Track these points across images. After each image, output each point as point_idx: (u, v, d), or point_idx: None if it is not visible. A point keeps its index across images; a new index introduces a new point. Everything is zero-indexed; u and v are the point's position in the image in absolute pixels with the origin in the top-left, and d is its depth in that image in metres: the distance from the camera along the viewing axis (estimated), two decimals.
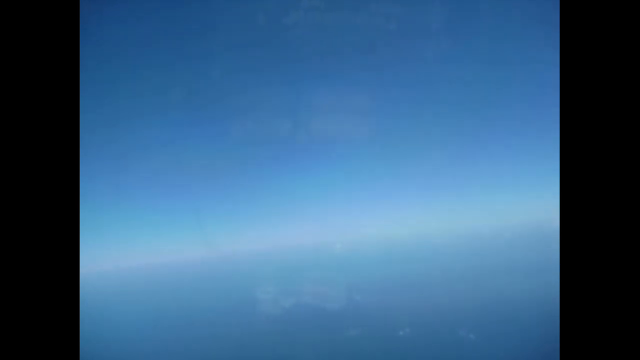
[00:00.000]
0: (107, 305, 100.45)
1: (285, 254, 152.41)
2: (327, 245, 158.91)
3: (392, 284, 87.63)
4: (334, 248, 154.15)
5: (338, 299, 66.78)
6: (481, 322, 55.66)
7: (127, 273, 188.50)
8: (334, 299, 66.85)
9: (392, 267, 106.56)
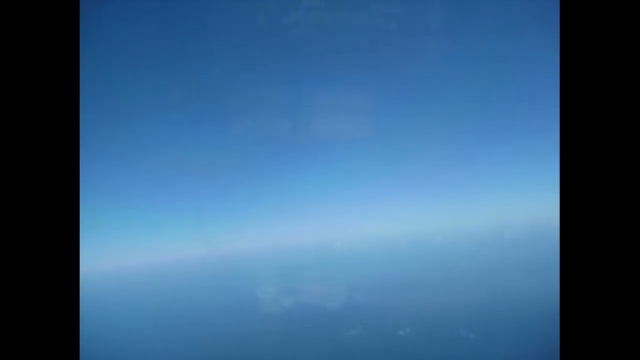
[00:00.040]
0: (107, 305, 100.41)
1: (285, 253, 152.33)
2: (327, 244, 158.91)
3: (392, 283, 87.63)
4: (334, 247, 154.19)
5: (338, 298, 66.85)
6: (482, 322, 55.64)
7: (127, 272, 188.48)
8: (334, 298, 66.92)
9: (392, 266, 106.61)
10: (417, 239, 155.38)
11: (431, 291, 76.15)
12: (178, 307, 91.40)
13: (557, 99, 10.11)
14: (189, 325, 72.98)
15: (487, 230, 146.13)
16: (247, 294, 79.44)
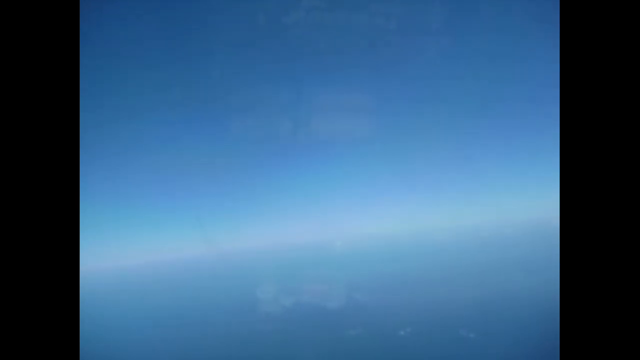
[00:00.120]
0: (107, 304, 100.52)
1: (286, 252, 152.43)
2: (327, 243, 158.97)
3: (392, 282, 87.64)
4: (334, 246, 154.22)
5: (338, 298, 66.80)
6: (482, 321, 55.61)
7: (127, 272, 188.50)
8: (334, 298, 66.88)
9: (393, 265, 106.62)
10: (418, 238, 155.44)
11: (431, 291, 76.15)
12: (178, 306, 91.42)
13: (557, 98, 10.13)
14: (189, 324, 72.99)
15: (488, 229, 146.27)
16: (247, 293, 79.46)
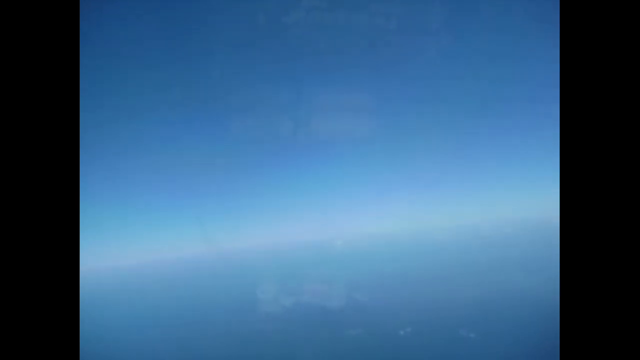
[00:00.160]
0: (107, 304, 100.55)
1: (286, 251, 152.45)
2: (327, 242, 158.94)
3: (392, 282, 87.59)
4: (334, 245, 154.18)
5: (338, 297, 66.77)
6: (483, 321, 55.58)
7: (127, 271, 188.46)
8: (334, 297, 66.85)
9: (393, 264, 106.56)
10: (418, 238, 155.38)
11: (431, 290, 76.09)
12: (178, 306, 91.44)
13: (557, 97, 10.14)
14: (188, 324, 73.00)
15: (488, 229, 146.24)
16: (247, 293, 79.43)
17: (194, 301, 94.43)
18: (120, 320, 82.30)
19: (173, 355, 58.94)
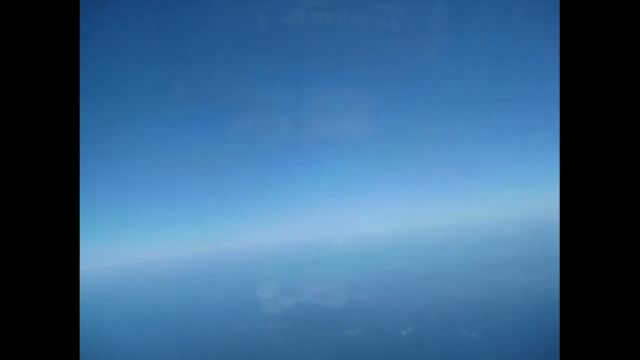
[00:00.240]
0: (107, 304, 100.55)
1: (286, 251, 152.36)
2: (328, 242, 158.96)
3: (393, 281, 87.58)
4: (335, 245, 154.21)
5: (339, 297, 66.72)
6: (484, 321, 55.53)
7: (128, 271, 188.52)
8: (335, 297, 66.80)
9: (394, 264, 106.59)
10: (418, 237, 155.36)
11: (433, 290, 76.06)
12: (178, 306, 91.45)
13: (557, 96, 10.15)
14: (189, 324, 73.02)
15: (489, 227, 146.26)
16: (248, 293, 79.44)
17: (194, 301, 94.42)
18: (120, 320, 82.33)
19: (173, 355, 58.94)
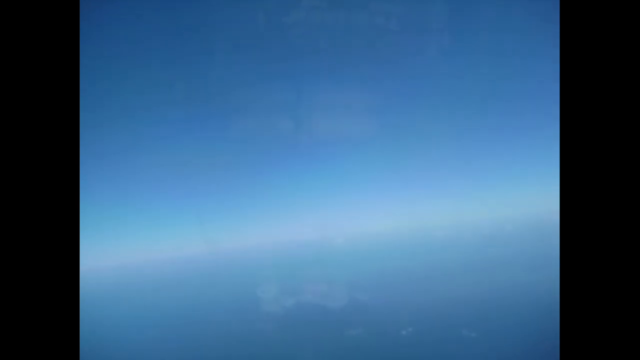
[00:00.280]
0: (107, 303, 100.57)
1: (286, 251, 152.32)
2: (328, 242, 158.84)
3: (394, 281, 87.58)
4: (335, 245, 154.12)
5: (339, 297, 66.70)
6: (485, 321, 55.52)
7: (128, 271, 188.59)
8: (335, 297, 66.78)
9: (394, 263, 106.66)
10: (418, 236, 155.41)
11: (433, 289, 76.05)
12: (178, 305, 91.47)
13: (557, 95, 10.16)
14: (189, 323, 73.05)
15: (489, 227, 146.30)
16: (248, 292, 79.43)
17: (194, 301, 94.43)
18: (120, 320, 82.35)
19: (173, 355, 58.95)
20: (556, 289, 9.94)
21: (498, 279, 76.92)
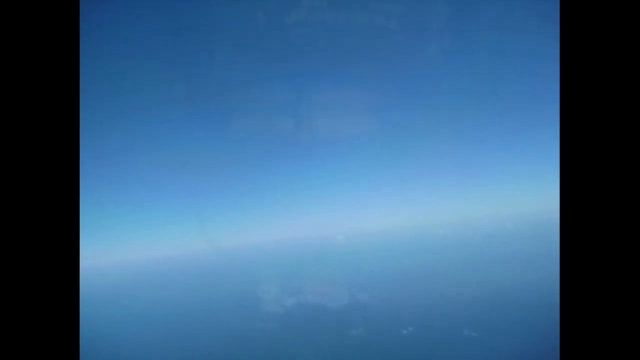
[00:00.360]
0: (108, 302, 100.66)
1: (287, 251, 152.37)
2: (329, 241, 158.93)
3: (394, 280, 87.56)
4: (336, 244, 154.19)
5: (340, 296, 66.70)
6: (486, 320, 55.50)
7: (128, 270, 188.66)
8: (336, 296, 66.77)
9: (395, 261, 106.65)
10: (419, 234, 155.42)
11: (434, 289, 75.99)
12: (179, 304, 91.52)
13: (557, 94, 10.17)
14: (189, 322, 73.10)
15: (490, 225, 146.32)
16: (249, 292, 79.44)
17: (195, 299, 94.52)
18: (120, 319, 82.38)
19: (173, 353, 59.00)
20: (557, 288, 9.93)
21: (499, 277, 76.90)
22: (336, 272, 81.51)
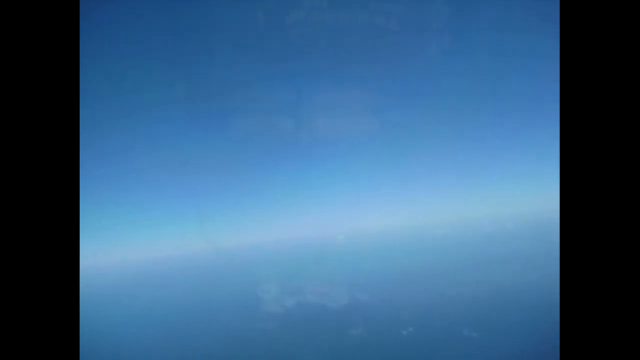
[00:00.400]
0: (108, 302, 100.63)
1: (287, 251, 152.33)
2: (329, 241, 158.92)
3: (394, 280, 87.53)
4: (336, 244, 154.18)
5: (340, 297, 66.69)
6: (486, 320, 55.49)
7: (128, 270, 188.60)
8: (336, 297, 66.76)
9: (395, 261, 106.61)
10: (419, 234, 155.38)
11: (434, 289, 75.97)
12: (179, 304, 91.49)
13: (557, 94, 10.17)
14: (189, 323, 73.07)
15: (490, 225, 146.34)
16: (249, 292, 79.43)
17: (195, 299, 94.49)
18: (120, 319, 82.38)
19: (173, 353, 58.99)
20: (557, 288, 9.93)
21: (499, 277, 76.88)
22: (336, 272, 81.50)
